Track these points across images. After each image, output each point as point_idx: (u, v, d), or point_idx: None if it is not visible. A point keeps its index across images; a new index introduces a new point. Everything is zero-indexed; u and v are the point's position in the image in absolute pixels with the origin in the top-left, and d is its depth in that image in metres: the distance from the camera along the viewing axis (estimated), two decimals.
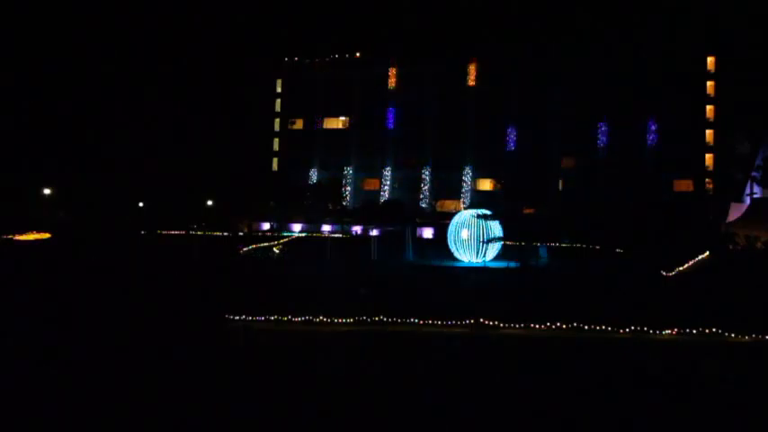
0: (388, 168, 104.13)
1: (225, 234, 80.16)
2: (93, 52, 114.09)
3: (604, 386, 22.36)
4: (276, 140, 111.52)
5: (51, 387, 21.57)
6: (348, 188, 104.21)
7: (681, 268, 53.09)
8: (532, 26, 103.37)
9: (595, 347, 27.91)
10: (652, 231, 75.61)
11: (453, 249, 62.81)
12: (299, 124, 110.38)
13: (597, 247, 69.11)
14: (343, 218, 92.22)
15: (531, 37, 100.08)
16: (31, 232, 76.42)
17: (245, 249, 68.97)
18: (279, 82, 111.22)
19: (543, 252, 65.16)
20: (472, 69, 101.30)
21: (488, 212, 61.88)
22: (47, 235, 75.61)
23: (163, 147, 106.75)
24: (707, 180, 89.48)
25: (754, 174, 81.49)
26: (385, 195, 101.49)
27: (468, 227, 60.94)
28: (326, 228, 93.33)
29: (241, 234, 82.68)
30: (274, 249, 69.39)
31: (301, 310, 33.08)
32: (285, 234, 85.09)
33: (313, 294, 41.30)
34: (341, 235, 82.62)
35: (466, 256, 61.51)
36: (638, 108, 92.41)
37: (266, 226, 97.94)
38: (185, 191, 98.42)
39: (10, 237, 73.37)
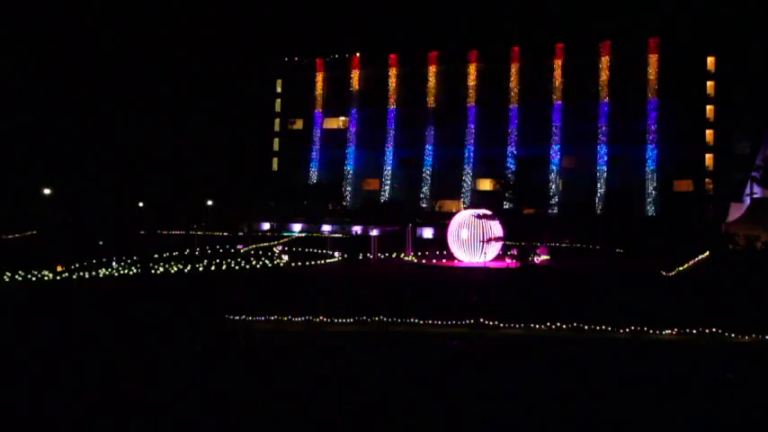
0: (388, 168, 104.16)
1: (225, 234, 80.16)
2: (94, 52, 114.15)
3: (604, 386, 22.37)
4: (276, 140, 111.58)
5: (49, 387, 21.56)
6: (348, 188, 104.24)
7: (681, 268, 53.09)
8: (533, 25, 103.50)
9: (595, 347, 27.90)
10: (652, 231, 75.73)
11: (453, 249, 62.83)
12: (298, 124, 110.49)
13: (597, 247, 69.14)
14: (343, 218, 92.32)
15: (531, 36, 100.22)
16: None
17: (245, 249, 68.98)
18: (279, 82, 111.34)
19: (543, 252, 65.21)
20: (472, 68, 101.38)
21: (488, 212, 61.91)
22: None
23: (163, 147, 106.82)
24: (707, 180, 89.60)
25: (754, 174, 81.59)
26: (385, 195, 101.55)
27: (468, 227, 60.96)
28: (326, 228, 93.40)
29: (241, 234, 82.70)
30: (274, 249, 69.42)
31: (301, 310, 33.06)
32: (285, 234, 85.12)
33: (313, 294, 41.31)
34: (341, 235, 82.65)
35: (466, 256, 61.52)
36: (638, 108, 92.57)
37: (266, 226, 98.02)
38: (185, 191, 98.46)
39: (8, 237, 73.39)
